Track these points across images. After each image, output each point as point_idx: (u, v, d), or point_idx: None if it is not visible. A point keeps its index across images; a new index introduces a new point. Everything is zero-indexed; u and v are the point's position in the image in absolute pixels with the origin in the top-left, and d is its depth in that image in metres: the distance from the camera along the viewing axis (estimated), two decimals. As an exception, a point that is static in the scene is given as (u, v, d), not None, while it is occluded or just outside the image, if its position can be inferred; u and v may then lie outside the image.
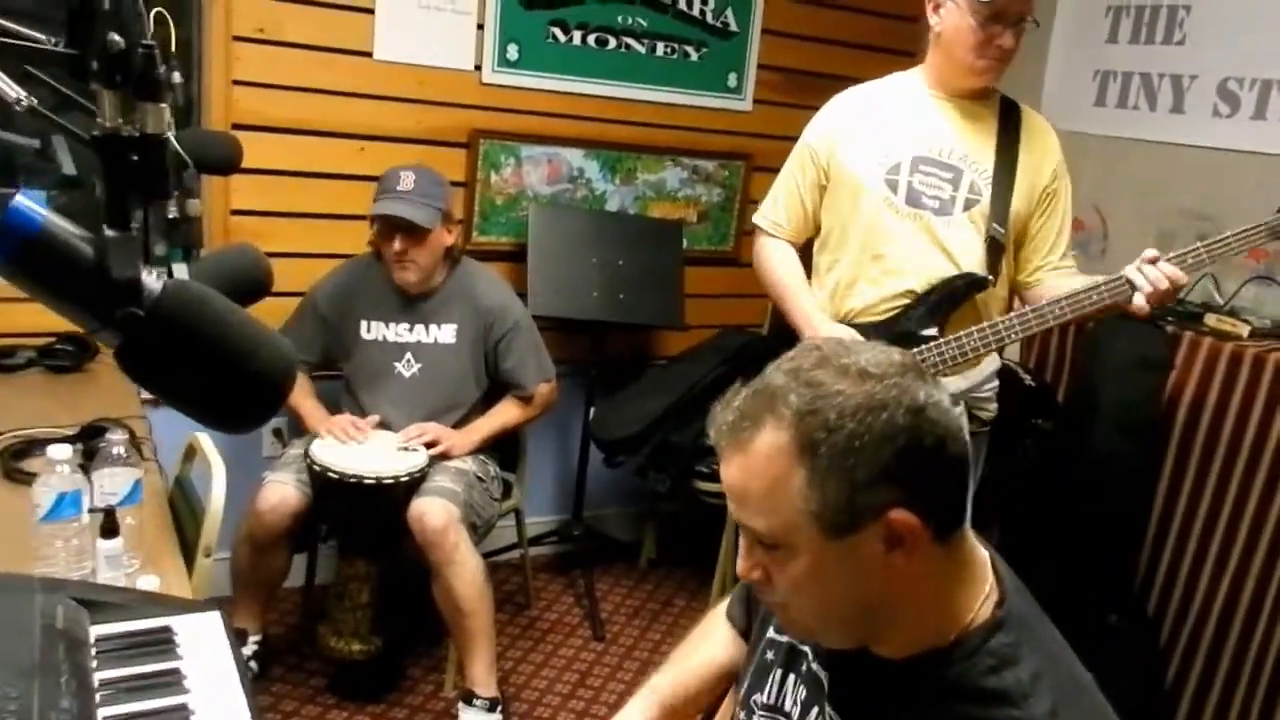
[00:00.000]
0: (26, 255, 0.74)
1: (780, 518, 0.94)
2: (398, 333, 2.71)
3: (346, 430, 2.58)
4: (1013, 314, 2.12)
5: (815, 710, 1.08)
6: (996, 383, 2.31)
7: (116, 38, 0.73)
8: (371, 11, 2.89)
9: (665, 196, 3.50)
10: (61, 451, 1.47)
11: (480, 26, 3.05)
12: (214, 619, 1.35)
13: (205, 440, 1.87)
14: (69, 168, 2.95)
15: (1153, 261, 2.00)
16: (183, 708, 1.18)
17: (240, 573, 2.56)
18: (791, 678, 1.14)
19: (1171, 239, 2.91)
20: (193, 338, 0.78)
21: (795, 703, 1.12)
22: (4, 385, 2.39)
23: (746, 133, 3.53)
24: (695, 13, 3.37)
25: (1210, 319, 2.60)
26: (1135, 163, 3.06)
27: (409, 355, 2.71)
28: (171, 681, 1.22)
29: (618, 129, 3.35)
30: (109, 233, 0.76)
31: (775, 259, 2.33)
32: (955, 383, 2.16)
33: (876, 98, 2.26)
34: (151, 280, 0.77)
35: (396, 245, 2.57)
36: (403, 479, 2.45)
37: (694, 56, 3.41)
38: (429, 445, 2.60)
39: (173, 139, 1.58)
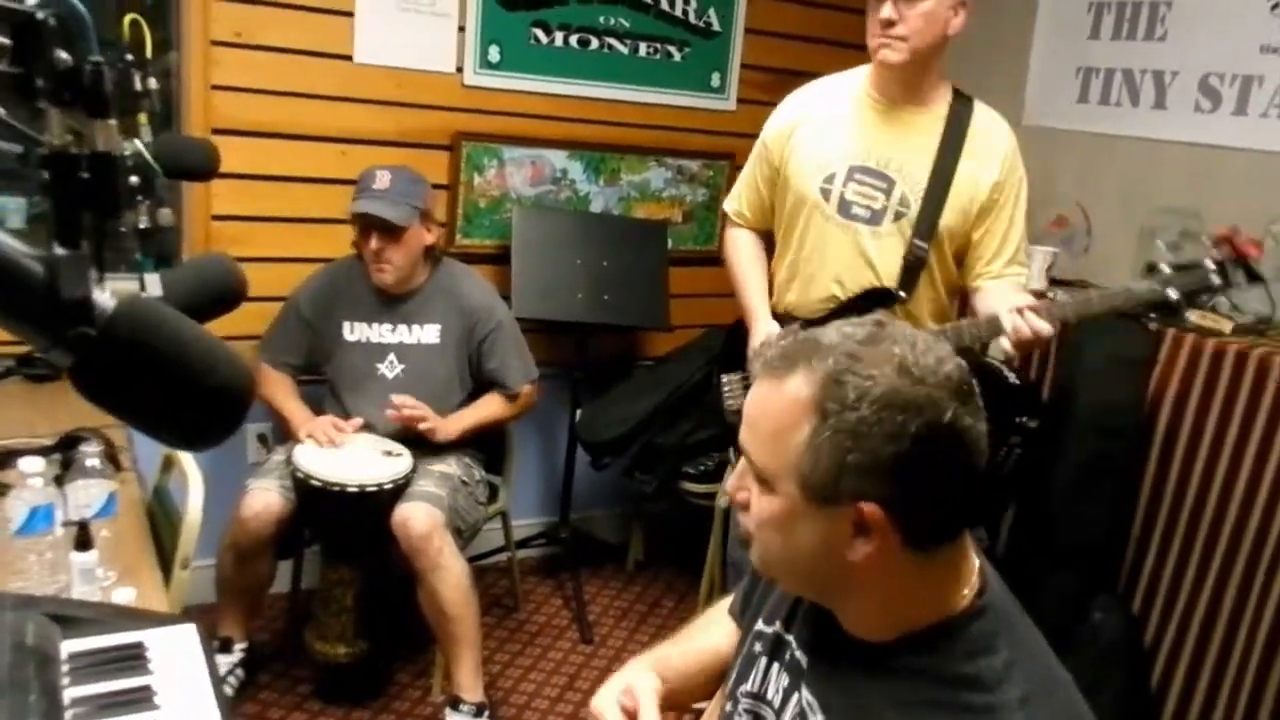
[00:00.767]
0: (-28, 274, 0.73)
1: (773, 459, 0.98)
2: (380, 333, 2.70)
3: (328, 432, 2.57)
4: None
5: (795, 696, 1.09)
6: None
7: (64, 55, 0.72)
8: (351, 14, 2.88)
9: (650, 197, 3.50)
10: (33, 465, 1.45)
11: (461, 28, 3.04)
12: (189, 632, 1.33)
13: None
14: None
15: (1021, 312, 2.00)
16: (154, 724, 1.17)
17: (225, 580, 2.54)
18: (775, 666, 1.15)
19: (1154, 235, 2.92)
20: (147, 356, 0.77)
21: (777, 690, 1.13)
22: (-17, 394, 2.38)
23: (730, 132, 3.52)
24: (678, 12, 3.37)
25: (1193, 315, 2.59)
26: (1118, 159, 3.06)
27: (392, 356, 2.70)
28: (142, 698, 1.20)
29: (601, 130, 3.34)
30: (59, 251, 0.75)
31: (736, 249, 2.41)
32: None
33: (825, 100, 2.27)
34: (104, 298, 0.76)
35: (373, 244, 2.56)
36: (386, 486, 2.44)
37: (677, 56, 3.41)
38: (417, 422, 2.58)
39: (141, 148, 1.58)
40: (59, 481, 1.56)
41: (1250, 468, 2.34)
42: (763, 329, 2.28)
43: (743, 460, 1.04)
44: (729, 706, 1.21)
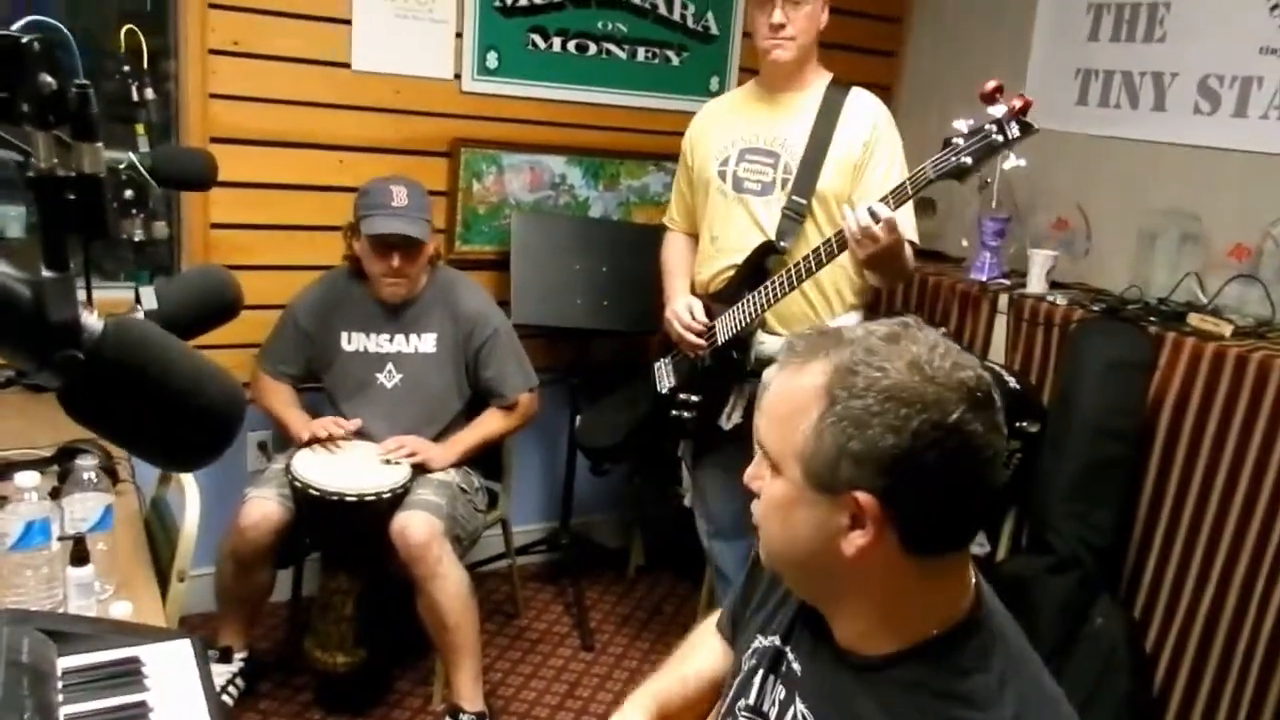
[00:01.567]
0: (-42, 297, 0.72)
1: (782, 442, 1.00)
2: (379, 343, 2.70)
3: (329, 429, 2.57)
4: (795, 262, 2.34)
5: (791, 709, 1.09)
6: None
7: (48, 79, 0.72)
8: (349, 22, 2.88)
9: (649, 201, 3.49)
10: (29, 479, 1.45)
11: (459, 35, 3.04)
12: (184, 647, 1.33)
13: (180, 461, 1.85)
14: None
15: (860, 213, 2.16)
16: (149, 741, 1.17)
17: (224, 590, 2.54)
18: (772, 679, 1.15)
19: (1154, 237, 2.91)
20: (135, 378, 0.76)
21: (774, 703, 1.13)
22: (-18, 405, 2.38)
23: (729, 136, 3.50)
24: (676, 17, 3.36)
25: (1193, 319, 2.59)
26: (1118, 161, 3.05)
27: (390, 365, 2.70)
28: (138, 715, 1.20)
29: (600, 135, 3.34)
30: (46, 274, 0.75)
31: (665, 250, 2.77)
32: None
33: (723, 105, 2.66)
34: (92, 321, 0.75)
35: (394, 263, 2.56)
36: (385, 495, 2.44)
37: (675, 61, 3.40)
38: (408, 457, 2.58)
39: (135, 161, 1.57)
40: (56, 494, 1.56)
41: (1251, 471, 2.33)
42: (679, 302, 2.58)
43: (759, 452, 1.07)
44: None
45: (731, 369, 2.51)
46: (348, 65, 2.91)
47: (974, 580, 1.04)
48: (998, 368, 2.81)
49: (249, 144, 2.83)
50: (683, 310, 2.54)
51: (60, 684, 1.22)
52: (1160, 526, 2.53)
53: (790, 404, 1.00)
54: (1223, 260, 2.75)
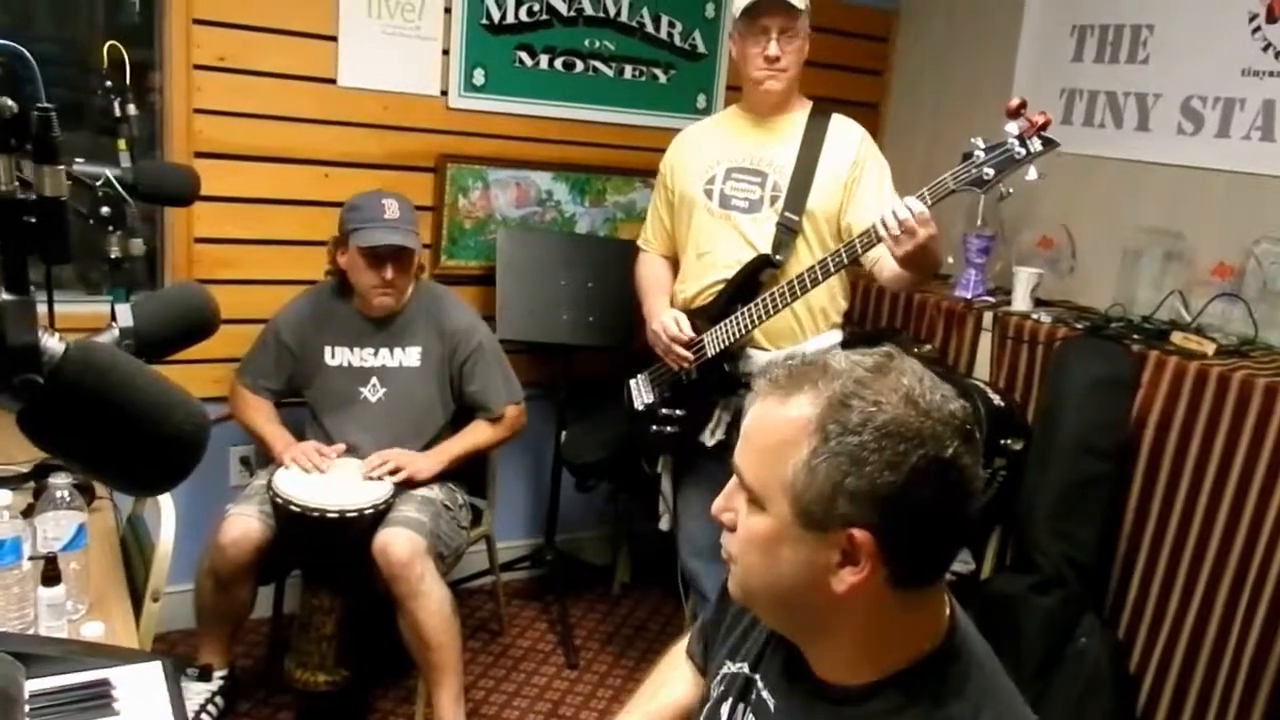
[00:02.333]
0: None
1: (769, 475, 0.96)
2: (363, 357, 2.69)
3: (310, 457, 2.56)
4: (797, 275, 2.34)
5: None
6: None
7: (9, 102, 0.71)
8: (335, 39, 2.88)
9: (636, 218, 3.48)
10: (1, 497, 1.44)
11: (445, 52, 3.04)
12: (155, 669, 1.32)
13: (157, 479, 1.83)
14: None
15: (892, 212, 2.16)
16: (116, 766, 1.15)
17: (204, 607, 2.52)
18: (741, 707, 1.14)
19: (1138, 256, 2.92)
20: (97, 403, 0.76)
21: None
22: (-41, 421, 2.35)
23: (716, 153, 3.51)
24: (663, 35, 3.37)
25: (1176, 337, 2.60)
26: (1102, 180, 3.07)
27: (374, 380, 2.69)
28: (106, 738, 1.19)
29: (587, 151, 3.34)
30: (5, 297, 0.74)
31: (641, 269, 2.79)
32: (779, 354, 2.43)
33: (704, 128, 2.69)
34: (53, 344, 0.75)
35: (388, 274, 2.56)
36: (366, 512, 2.42)
37: (662, 79, 3.41)
38: (393, 472, 2.57)
39: (112, 177, 1.56)
40: (30, 512, 1.54)
41: (1234, 490, 2.34)
42: (661, 313, 2.59)
43: (733, 479, 1.03)
44: None
45: (719, 383, 2.50)
46: (333, 81, 2.91)
47: (949, 608, 1.03)
48: (982, 384, 2.81)
49: (234, 159, 2.83)
50: (670, 323, 2.54)
51: (28, 707, 1.21)
52: (1144, 545, 2.53)
53: (777, 436, 0.96)
54: (1206, 279, 2.77)
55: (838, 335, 2.58)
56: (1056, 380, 2.66)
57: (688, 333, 2.51)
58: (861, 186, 2.46)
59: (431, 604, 2.43)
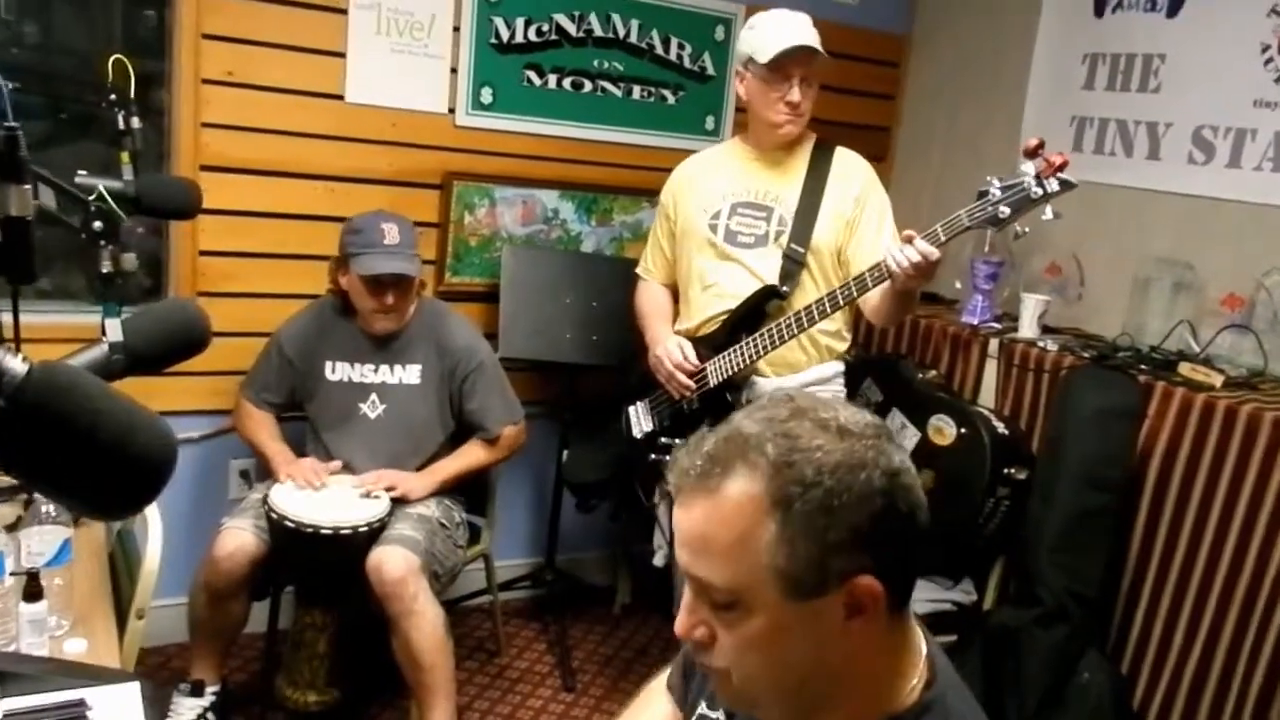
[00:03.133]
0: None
1: (742, 572, 0.89)
2: (363, 373, 2.68)
3: (308, 476, 2.55)
4: (805, 307, 2.35)
5: None
6: (839, 386, 2.58)
7: (-26, 121, 0.71)
8: (343, 55, 2.89)
9: (642, 237, 3.46)
10: (-16, 512, 1.43)
11: (454, 70, 3.05)
12: (131, 690, 1.30)
13: (147, 495, 1.83)
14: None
15: (909, 240, 2.15)
16: (85, 790, 1.13)
17: (197, 621, 2.51)
18: None
19: (1148, 285, 2.89)
20: (60, 426, 0.75)
21: None
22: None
23: (724, 174, 3.50)
24: (672, 57, 3.37)
25: (1184, 368, 2.56)
26: (1112, 209, 3.04)
27: (374, 396, 2.68)
28: (77, 760, 1.17)
29: (593, 170, 3.34)
30: (-33, 318, 0.73)
31: (642, 296, 2.79)
32: (784, 380, 2.46)
33: (707, 161, 2.67)
34: (14, 364, 0.74)
35: (390, 300, 2.57)
36: (361, 529, 2.41)
37: (671, 100, 3.41)
38: (386, 490, 2.55)
39: (104, 192, 1.56)
40: (15, 526, 1.53)
41: (1240, 525, 2.30)
42: (665, 339, 2.59)
43: (687, 594, 0.96)
44: None
45: (721, 413, 2.47)
46: (341, 97, 2.91)
47: (925, 650, 1.01)
48: (986, 412, 2.78)
49: (240, 173, 2.83)
50: (674, 350, 2.53)
51: (1, 726, 1.19)
52: (1148, 579, 2.49)
53: (731, 530, 0.89)
54: (1216, 309, 2.73)
55: (839, 366, 2.59)
56: (1062, 409, 2.63)
57: (692, 360, 2.50)
58: (863, 224, 2.47)
59: (425, 624, 2.41)
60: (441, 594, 2.56)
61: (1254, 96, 2.68)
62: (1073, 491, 2.52)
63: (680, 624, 0.97)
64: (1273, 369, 2.57)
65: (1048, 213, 2.11)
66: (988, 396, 2.94)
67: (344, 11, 2.86)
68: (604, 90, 3.29)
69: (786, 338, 2.38)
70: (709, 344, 2.53)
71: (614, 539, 3.58)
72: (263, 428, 2.72)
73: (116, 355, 1.42)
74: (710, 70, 3.44)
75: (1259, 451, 2.27)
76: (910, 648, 0.99)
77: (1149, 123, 2.96)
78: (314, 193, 2.93)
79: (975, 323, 3.09)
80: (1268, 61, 2.66)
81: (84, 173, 1.87)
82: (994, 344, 2.94)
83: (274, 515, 2.39)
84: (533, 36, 3.14)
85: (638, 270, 2.82)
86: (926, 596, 2.89)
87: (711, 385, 2.49)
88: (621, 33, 3.27)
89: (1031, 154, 2.09)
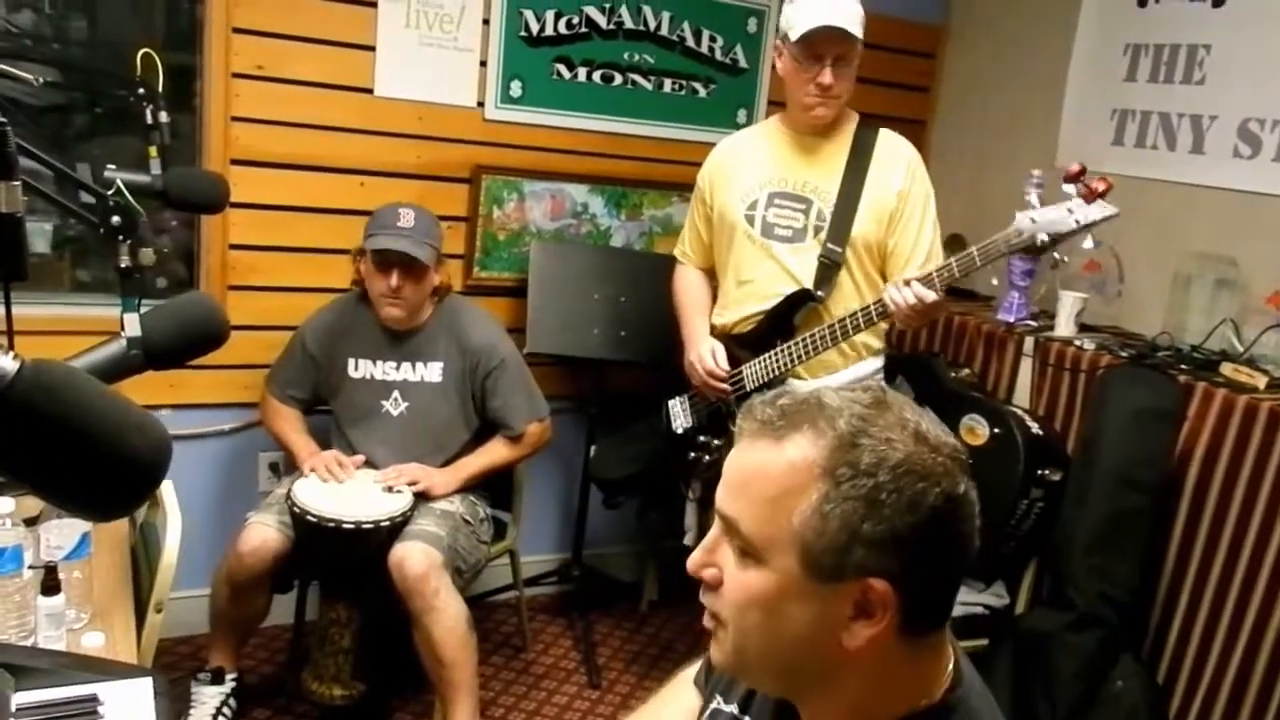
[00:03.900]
0: None
1: (770, 527, 0.88)
2: (385, 370, 2.68)
3: (330, 467, 2.55)
4: (839, 321, 2.33)
5: None
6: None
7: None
8: (372, 49, 2.88)
9: (672, 232, 3.44)
10: (3, 505, 1.44)
11: (483, 63, 3.03)
12: (144, 686, 1.30)
13: (167, 488, 1.83)
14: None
15: (907, 284, 2.15)
16: (92, 786, 1.13)
17: (218, 612, 2.52)
18: None
19: (1189, 282, 2.82)
20: (49, 425, 0.73)
21: None
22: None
23: (756, 168, 3.46)
24: (704, 50, 3.34)
25: (1226, 368, 2.49)
26: (1153, 203, 2.96)
27: (396, 393, 2.68)
28: (86, 756, 1.17)
29: (623, 164, 3.31)
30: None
31: (680, 284, 2.71)
32: (821, 382, 2.38)
33: (745, 143, 2.58)
34: (5, 362, 0.72)
35: (393, 281, 2.55)
36: (383, 524, 2.40)
37: (702, 93, 3.37)
38: (410, 484, 2.55)
39: (122, 187, 1.55)
40: (34, 521, 1.54)
41: (1284, 532, 2.23)
42: (702, 345, 2.54)
43: (713, 531, 0.95)
44: None
45: None
46: (370, 91, 2.91)
47: (954, 656, 0.97)
48: (1020, 412, 2.72)
49: (270, 166, 2.84)
50: (706, 356, 2.50)
51: (12, 720, 1.20)
52: (1186, 585, 2.43)
53: (776, 484, 0.88)
54: (1260, 308, 2.65)
55: (878, 362, 2.54)
56: (1098, 409, 2.57)
57: (724, 367, 2.49)
58: (905, 217, 2.40)
59: (447, 620, 2.40)
60: (465, 590, 2.56)
61: (1303, 89, 2.60)
62: (1108, 494, 2.46)
63: (694, 559, 0.96)
64: (1320, 370, 2.49)
65: (1088, 241, 2.06)
66: (1022, 396, 2.88)
67: (373, 5, 2.86)
68: (634, 83, 3.26)
69: (821, 349, 2.36)
70: (745, 344, 2.49)
71: (641, 535, 3.56)
72: (288, 422, 2.73)
73: (134, 350, 1.42)
74: (742, 63, 3.40)
75: (1303, 455, 2.20)
76: (932, 661, 0.96)
77: (1193, 115, 2.88)
78: (343, 187, 2.94)
79: (1010, 320, 3.02)
80: (1318, 52, 2.57)
81: (112, 166, 1.88)
82: (1029, 342, 2.88)
83: (297, 509, 2.40)
84: (563, 29, 3.12)
85: (675, 253, 2.76)
86: (958, 599, 2.84)
87: (748, 389, 2.46)
88: (652, 25, 3.24)
89: (1073, 179, 2.04)
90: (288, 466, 2.91)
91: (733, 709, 1.10)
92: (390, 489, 2.54)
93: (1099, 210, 2.01)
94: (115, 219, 1.46)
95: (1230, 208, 2.77)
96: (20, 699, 1.23)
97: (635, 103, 3.27)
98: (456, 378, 2.68)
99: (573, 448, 3.30)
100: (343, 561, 2.46)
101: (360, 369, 2.68)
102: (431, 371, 2.68)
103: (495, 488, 2.88)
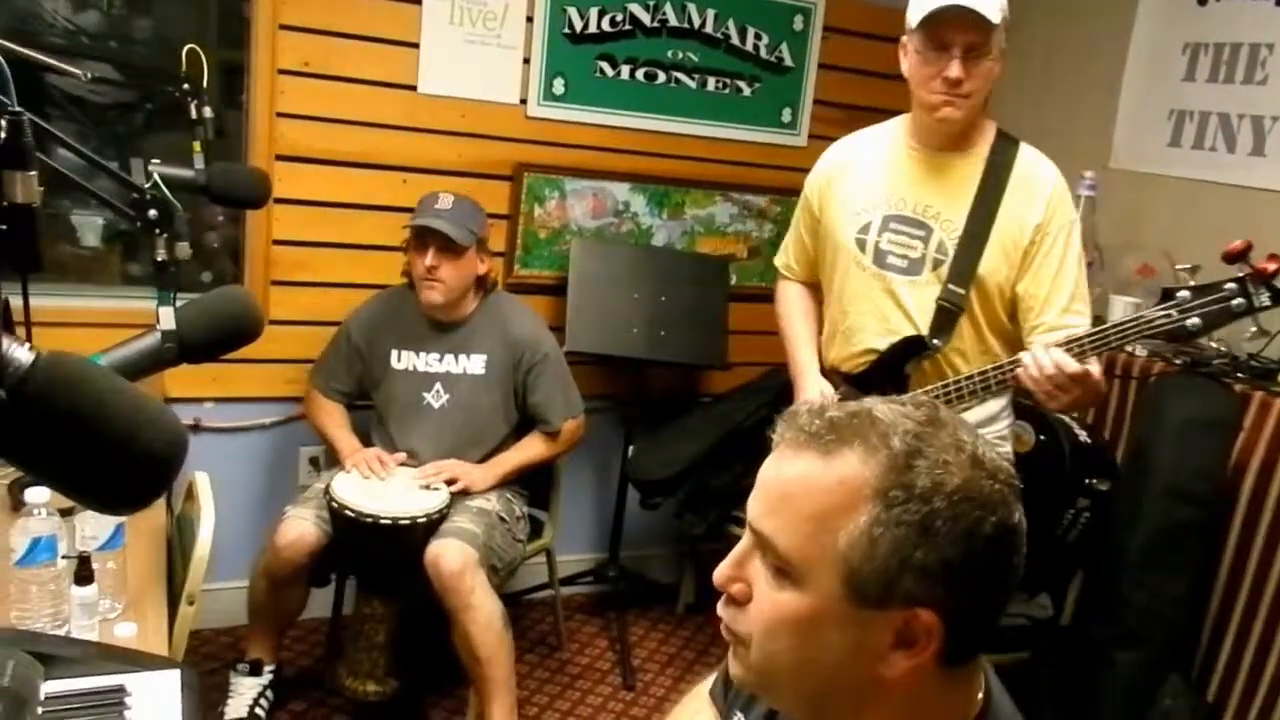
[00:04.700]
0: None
1: (811, 548, 0.83)
2: (427, 362, 2.68)
3: (371, 464, 2.56)
4: (942, 383, 2.07)
5: None
6: (1000, 425, 2.18)
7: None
8: (417, 46, 2.89)
9: (714, 232, 3.43)
10: (39, 495, 1.45)
11: (526, 61, 3.03)
12: (172, 679, 1.31)
13: (203, 480, 1.85)
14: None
15: (1043, 349, 1.88)
16: (114, 778, 1.14)
17: (256, 605, 2.55)
18: None
19: (1248, 290, 2.72)
20: (65, 418, 0.73)
21: None
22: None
23: (801, 168, 3.33)
24: (749, 47, 3.30)
25: (1285, 378, 2.41)
26: (1210, 206, 2.87)
27: (438, 385, 2.69)
28: (111, 747, 1.18)
29: (666, 163, 3.29)
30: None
31: (785, 305, 2.41)
32: None
33: (862, 149, 2.23)
34: (20, 353, 0.72)
35: (429, 259, 2.55)
36: (420, 520, 2.41)
37: (747, 91, 3.34)
38: (449, 482, 2.55)
39: (159, 180, 1.56)
40: (70, 512, 1.56)
41: (1343, 549, 2.15)
42: (810, 386, 2.26)
43: (743, 543, 0.90)
44: None
45: None
46: (414, 88, 2.92)
47: (985, 682, 0.94)
48: (1068, 420, 2.65)
49: (314, 163, 2.86)
50: (816, 400, 2.36)
51: (41, 710, 1.20)
52: (1239, 602, 2.35)
53: (823, 501, 0.83)
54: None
55: (1003, 401, 2.17)
56: (1149, 418, 2.49)
57: None
58: (1041, 256, 2.04)
59: (481, 617, 2.40)
60: (500, 587, 2.55)
61: (1371, 89, 2.50)
62: (1158, 505, 2.38)
63: (721, 573, 0.91)
64: (1384, 381, 2.39)
65: (1252, 328, 1.82)
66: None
67: (418, 2, 2.87)
68: (678, 81, 3.24)
69: None
70: (855, 384, 2.22)
71: (679, 537, 3.54)
72: (331, 417, 2.75)
73: (169, 343, 1.43)
74: (788, 61, 3.36)
75: (1366, 470, 2.12)
76: (965, 687, 0.92)
77: (1254, 116, 2.79)
78: (386, 184, 2.95)
79: (1060, 325, 2.94)
80: (1388, 51, 2.47)
81: (156, 161, 1.90)
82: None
83: (334, 504, 2.41)
84: (606, 26, 3.10)
85: (777, 264, 2.45)
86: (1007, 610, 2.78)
87: None
88: (697, 22, 3.21)
89: (1235, 258, 1.80)
90: (328, 461, 2.93)
91: None
92: (428, 486, 2.54)
93: (1268, 295, 1.74)
94: (152, 212, 1.47)
95: (1292, 212, 2.68)
96: (49, 688, 1.24)
97: (678, 101, 3.25)
98: (499, 370, 2.68)
99: (610, 447, 3.29)
100: (379, 557, 2.47)
101: (403, 360, 2.69)
102: (474, 364, 2.68)
103: (532, 486, 2.87)
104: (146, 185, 1.46)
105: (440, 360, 2.69)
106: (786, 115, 3.41)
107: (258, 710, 2.55)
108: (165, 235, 1.48)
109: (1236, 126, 2.83)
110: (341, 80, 2.84)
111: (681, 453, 3.14)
